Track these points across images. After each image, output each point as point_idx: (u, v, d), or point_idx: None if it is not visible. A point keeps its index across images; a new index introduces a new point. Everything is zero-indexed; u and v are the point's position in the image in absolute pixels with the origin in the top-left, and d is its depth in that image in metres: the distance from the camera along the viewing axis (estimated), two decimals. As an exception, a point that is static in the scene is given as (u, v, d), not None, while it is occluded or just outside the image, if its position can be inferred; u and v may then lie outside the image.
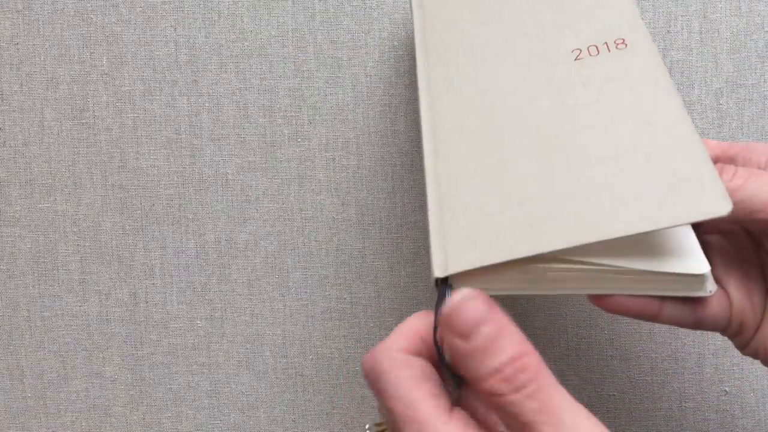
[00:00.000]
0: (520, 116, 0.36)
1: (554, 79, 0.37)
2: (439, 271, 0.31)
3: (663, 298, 0.34)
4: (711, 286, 0.33)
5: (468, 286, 0.29)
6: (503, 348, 0.27)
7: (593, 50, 0.38)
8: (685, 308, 0.34)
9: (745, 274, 0.36)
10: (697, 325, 0.35)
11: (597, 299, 0.34)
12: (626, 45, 0.38)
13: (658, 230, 0.31)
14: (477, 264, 0.30)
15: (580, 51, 0.38)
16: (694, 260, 0.33)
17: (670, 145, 0.33)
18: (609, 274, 0.32)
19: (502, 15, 0.42)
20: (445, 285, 0.31)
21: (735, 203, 0.29)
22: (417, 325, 0.30)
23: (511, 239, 0.31)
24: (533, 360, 0.28)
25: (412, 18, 0.44)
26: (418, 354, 0.30)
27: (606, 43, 0.38)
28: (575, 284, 0.33)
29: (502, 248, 0.31)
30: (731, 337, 0.36)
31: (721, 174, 0.31)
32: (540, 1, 0.42)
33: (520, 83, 0.38)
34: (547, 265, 0.32)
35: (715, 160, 0.36)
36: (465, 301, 0.27)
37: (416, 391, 0.28)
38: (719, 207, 0.29)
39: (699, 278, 0.33)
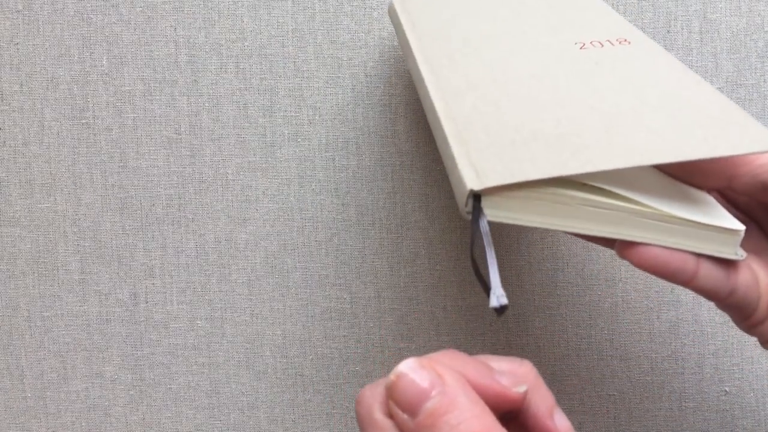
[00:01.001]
0: (536, 76, 0.35)
1: (563, 59, 0.36)
2: (473, 183, 0.28)
3: (699, 257, 0.31)
4: (741, 252, 0.32)
5: (499, 208, 0.28)
6: (454, 427, 0.24)
7: (597, 44, 0.37)
8: (721, 272, 0.32)
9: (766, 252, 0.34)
10: (730, 295, 0.32)
11: (628, 250, 0.30)
12: (629, 42, 0.37)
13: (713, 157, 0.29)
14: (515, 178, 0.28)
15: (584, 44, 0.37)
16: (729, 219, 0.31)
17: (699, 96, 0.32)
18: (646, 219, 0.30)
19: (495, 19, 0.42)
20: (478, 205, 0.28)
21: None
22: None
23: (548, 160, 0.29)
24: None
25: (395, 22, 0.43)
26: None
27: (608, 40, 0.38)
28: (608, 226, 0.30)
29: (540, 166, 0.28)
30: (754, 327, 0.34)
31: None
32: (535, 7, 0.42)
33: (528, 62, 0.36)
34: (585, 195, 0.30)
35: None
36: (410, 372, 0.25)
37: None
38: (765, 142, 0.29)
39: (735, 237, 0.31)
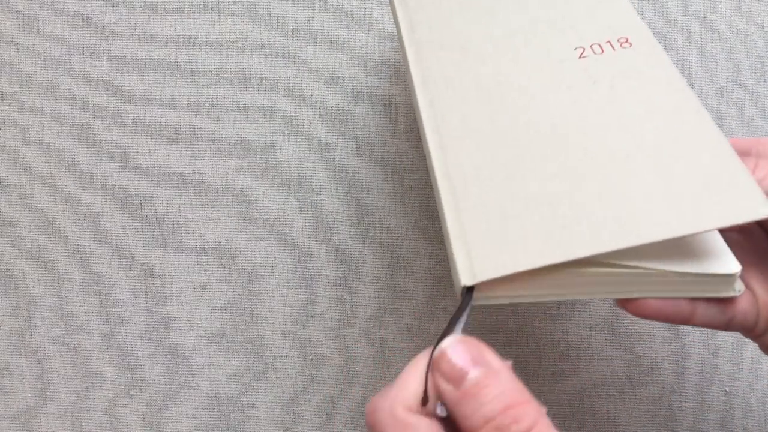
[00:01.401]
0: (531, 113, 0.34)
1: (561, 76, 0.36)
2: (467, 278, 0.28)
3: (694, 300, 0.32)
4: (739, 286, 0.32)
5: (493, 294, 0.28)
6: (496, 396, 0.26)
7: (597, 48, 0.37)
8: (716, 309, 0.33)
9: (766, 269, 0.35)
10: (728, 325, 0.34)
11: (627, 303, 0.32)
12: (630, 44, 0.37)
13: (698, 233, 0.30)
14: (509, 270, 0.28)
15: (584, 49, 0.37)
16: (725, 260, 0.32)
17: (696, 142, 0.31)
18: (640, 277, 0.31)
19: (496, 13, 0.40)
20: (469, 295, 0.28)
21: None
22: (424, 370, 0.28)
23: (543, 243, 0.29)
24: (529, 410, 0.26)
25: (394, 14, 0.42)
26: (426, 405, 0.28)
27: (609, 41, 0.37)
28: (604, 288, 0.31)
29: (533, 252, 0.28)
30: (757, 337, 0.35)
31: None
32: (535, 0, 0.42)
33: (525, 79, 0.36)
34: (578, 270, 0.30)
35: None
36: (455, 345, 0.27)
37: None
38: (758, 209, 0.29)
39: (730, 279, 0.31)
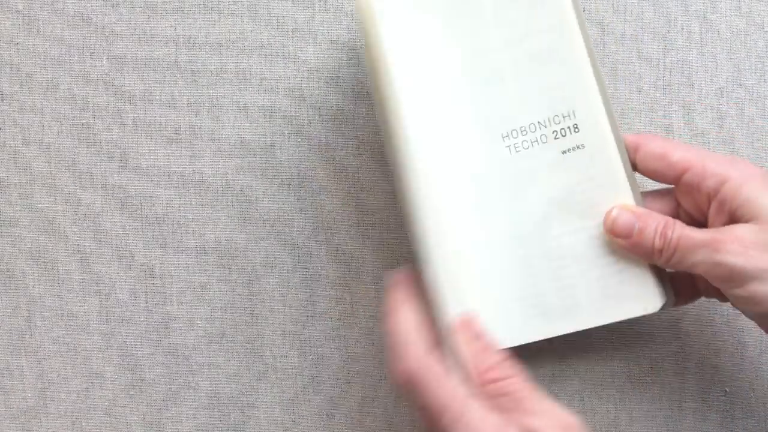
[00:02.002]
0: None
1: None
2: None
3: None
4: (659, 303, 0.42)
5: None
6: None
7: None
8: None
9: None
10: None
11: None
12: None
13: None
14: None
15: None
16: (649, 299, 0.42)
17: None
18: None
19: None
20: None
21: (670, 260, 0.40)
22: (414, 319, 0.39)
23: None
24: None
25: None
26: (430, 341, 0.39)
27: (555, 131, 0.42)
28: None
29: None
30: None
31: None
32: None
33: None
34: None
35: (665, 159, 0.41)
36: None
37: (451, 383, 0.37)
38: (654, 305, 0.42)
39: (654, 312, 0.42)
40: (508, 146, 0.43)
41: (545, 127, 0.42)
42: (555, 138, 0.42)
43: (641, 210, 0.41)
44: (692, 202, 0.41)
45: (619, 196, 0.41)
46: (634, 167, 0.42)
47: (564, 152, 0.42)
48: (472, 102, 0.43)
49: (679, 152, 0.41)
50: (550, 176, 0.42)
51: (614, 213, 0.41)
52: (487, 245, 0.43)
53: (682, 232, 0.39)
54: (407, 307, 0.40)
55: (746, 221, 0.38)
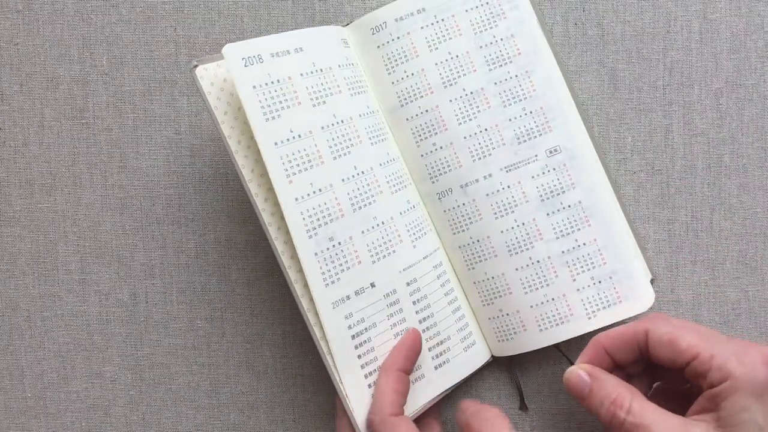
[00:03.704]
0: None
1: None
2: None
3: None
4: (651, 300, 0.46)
5: None
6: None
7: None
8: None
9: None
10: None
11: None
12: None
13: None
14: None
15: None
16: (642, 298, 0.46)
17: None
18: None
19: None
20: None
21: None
22: (392, 383, 0.42)
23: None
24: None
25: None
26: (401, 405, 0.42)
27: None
28: None
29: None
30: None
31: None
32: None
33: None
34: None
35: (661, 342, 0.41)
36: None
37: None
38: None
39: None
40: None
41: None
42: None
43: (598, 372, 0.42)
44: (692, 377, 0.40)
45: None
46: (647, 354, 0.41)
47: None
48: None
49: (687, 338, 0.39)
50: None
51: (566, 374, 0.42)
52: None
53: (630, 413, 0.39)
54: (396, 375, 0.42)
55: (722, 420, 0.38)
